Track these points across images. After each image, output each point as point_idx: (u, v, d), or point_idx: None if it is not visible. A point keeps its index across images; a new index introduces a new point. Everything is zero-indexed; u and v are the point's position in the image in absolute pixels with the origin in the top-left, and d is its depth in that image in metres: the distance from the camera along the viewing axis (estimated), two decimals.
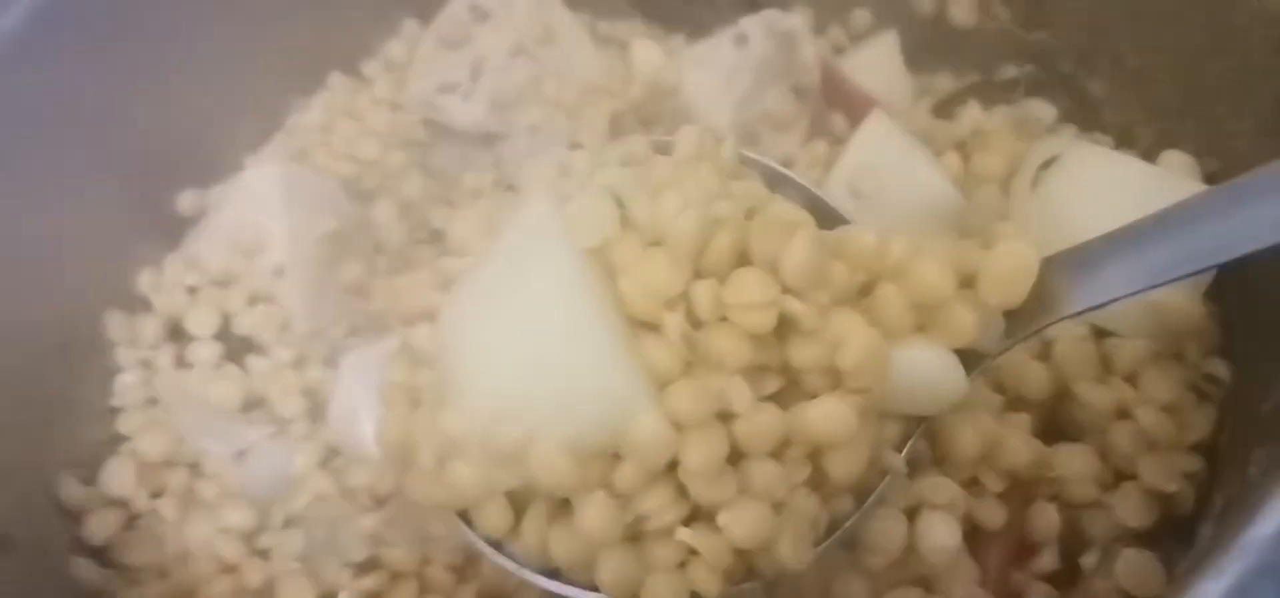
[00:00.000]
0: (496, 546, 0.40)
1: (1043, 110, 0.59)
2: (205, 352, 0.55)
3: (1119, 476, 0.43)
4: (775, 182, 0.47)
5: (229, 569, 0.49)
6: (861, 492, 0.40)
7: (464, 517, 0.40)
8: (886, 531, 0.41)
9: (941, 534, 0.41)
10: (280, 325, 0.57)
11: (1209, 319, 0.46)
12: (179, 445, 0.53)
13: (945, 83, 0.63)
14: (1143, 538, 0.42)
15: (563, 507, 0.38)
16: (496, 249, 0.40)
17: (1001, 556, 0.42)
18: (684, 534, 0.36)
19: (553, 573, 0.40)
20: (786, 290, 0.36)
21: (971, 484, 0.43)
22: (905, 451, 0.41)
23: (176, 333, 0.56)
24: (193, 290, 0.57)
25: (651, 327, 0.37)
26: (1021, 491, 0.43)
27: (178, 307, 0.56)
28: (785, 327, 0.37)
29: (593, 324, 0.36)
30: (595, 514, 0.36)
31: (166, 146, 0.59)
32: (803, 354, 0.37)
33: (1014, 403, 0.45)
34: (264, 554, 0.50)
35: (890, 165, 0.55)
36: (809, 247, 0.36)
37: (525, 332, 0.37)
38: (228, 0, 0.60)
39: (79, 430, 0.53)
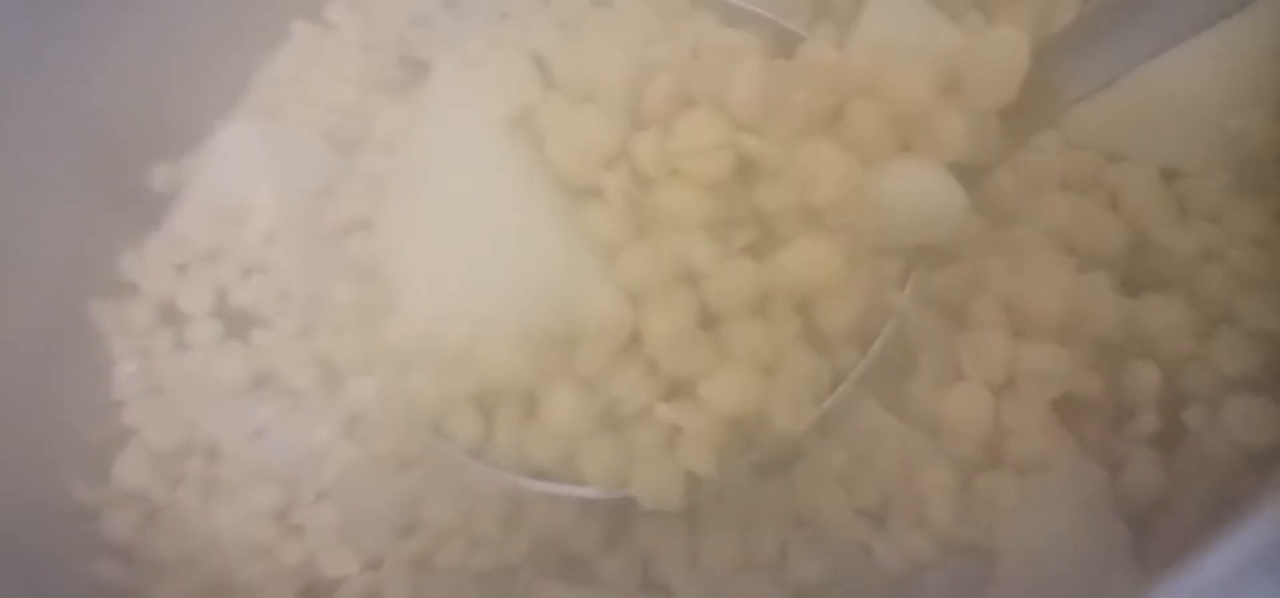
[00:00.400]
0: (479, 457, 0.37)
1: None
2: (204, 331, 0.51)
3: (1214, 322, 0.40)
4: (736, 20, 0.41)
5: (263, 551, 0.45)
6: (866, 339, 0.36)
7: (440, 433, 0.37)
8: (971, 408, 0.37)
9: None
10: (279, 294, 0.53)
11: None
12: (191, 431, 0.49)
13: None
14: (1250, 384, 0.38)
15: (533, 404, 0.35)
16: (414, 138, 0.36)
17: (1099, 423, 0.39)
18: (663, 412, 0.33)
19: (543, 476, 0.37)
20: (741, 128, 0.32)
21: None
22: (908, 287, 0.37)
23: (170, 316, 0.52)
24: (181, 268, 0.52)
25: (592, 192, 0.33)
26: (1114, 352, 0.40)
27: (168, 287, 0.52)
28: (747, 169, 0.33)
29: (522, 199, 0.32)
30: (561, 405, 0.33)
31: (128, 118, 0.54)
32: (771, 196, 0.33)
33: (1087, 263, 0.41)
34: (298, 531, 0.47)
35: (911, 36, 0.51)
36: (758, 73, 0.32)
37: (453, 221, 0.33)
38: None
39: (82, 429, 0.49)
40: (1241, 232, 0.40)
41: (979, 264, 0.41)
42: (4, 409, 0.45)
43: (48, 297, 0.50)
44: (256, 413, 0.51)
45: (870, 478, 0.38)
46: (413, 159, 0.35)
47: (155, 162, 0.54)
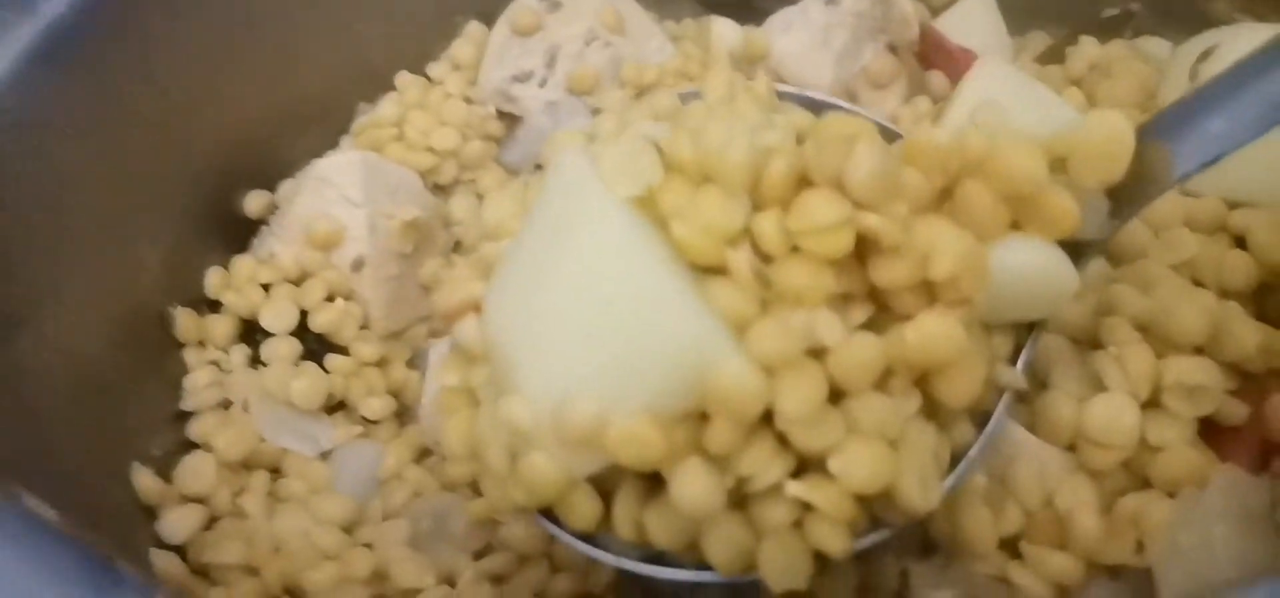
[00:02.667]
0: (590, 540, 0.35)
1: (1158, 47, 0.56)
2: (282, 349, 0.50)
3: None
4: (820, 110, 0.42)
5: (332, 558, 0.42)
6: (979, 416, 0.35)
7: (548, 516, 0.35)
8: (1117, 418, 0.35)
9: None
10: (360, 323, 0.52)
11: None
12: (259, 445, 0.47)
13: (1042, 40, 0.61)
14: None
15: (654, 483, 0.33)
16: (534, 221, 0.36)
17: (1247, 455, 0.36)
18: (795, 489, 0.31)
19: (656, 558, 0.35)
20: (858, 206, 0.32)
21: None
22: (1021, 362, 0.36)
23: (249, 333, 0.51)
24: (266, 287, 0.51)
25: (716, 270, 0.33)
26: (1257, 384, 0.37)
27: (250, 305, 0.51)
28: (865, 247, 0.32)
29: (654, 277, 0.32)
30: (691, 484, 0.31)
31: (230, 152, 0.55)
32: (889, 273, 0.32)
33: (1220, 295, 0.40)
34: (368, 546, 0.44)
35: (1013, 100, 0.51)
36: (875, 152, 0.32)
37: (580, 300, 0.32)
38: (286, 4, 0.57)
39: (151, 429, 0.47)
40: None
41: (1105, 293, 0.40)
42: (82, 399, 0.44)
43: (137, 303, 0.49)
44: (327, 434, 0.49)
45: (1010, 499, 0.35)
46: (533, 241, 0.35)
47: (253, 189, 0.55)
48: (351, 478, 0.48)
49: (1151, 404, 0.36)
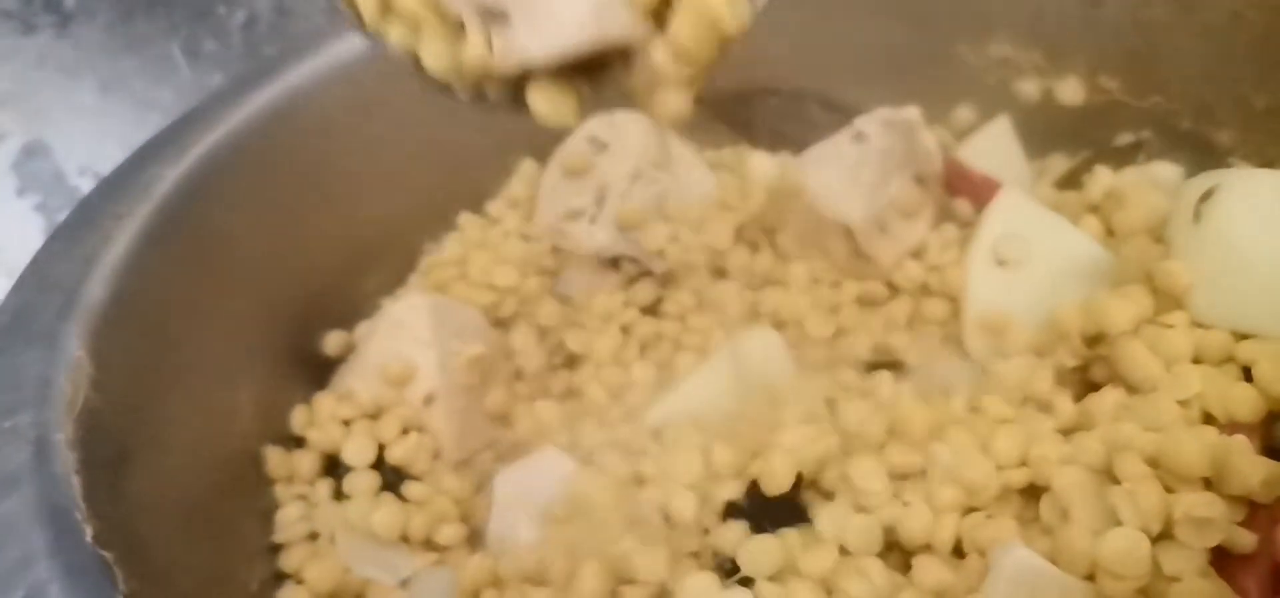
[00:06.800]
0: None
1: (1168, 172, 0.59)
2: (362, 482, 0.54)
3: None
4: None
5: None
6: None
7: None
8: (1130, 553, 0.38)
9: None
10: (432, 454, 0.57)
11: None
12: (345, 576, 0.51)
13: (1060, 163, 0.65)
14: None
15: None
16: None
17: (1257, 582, 0.39)
18: None
19: None
20: None
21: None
22: None
23: (332, 467, 0.56)
24: (346, 424, 0.56)
25: None
26: (1266, 512, 0.40)
27: (332, 440, 0.55)
28: None
29: None
30: None
31: (310, 291, 0.60)
32: None
33: (1226, 430, 0.43)
34: None
35: (1033, 231, 0.55)
36: None
37: None
38: (363, 149, 0.63)
39: (249, 562, 0.52)
40: None
41: (1118, 430, 0.43)
42: (188, 532, 0.48)
43: (233, 445, 0.54)
44: (407, 562, 0.53)
45: None
46: None
47: (325, 330, 0.60)
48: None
49: (1164, 536, 0.39)
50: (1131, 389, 0.46)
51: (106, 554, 0.37)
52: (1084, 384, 0.50)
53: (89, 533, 0.38)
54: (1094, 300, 0.49)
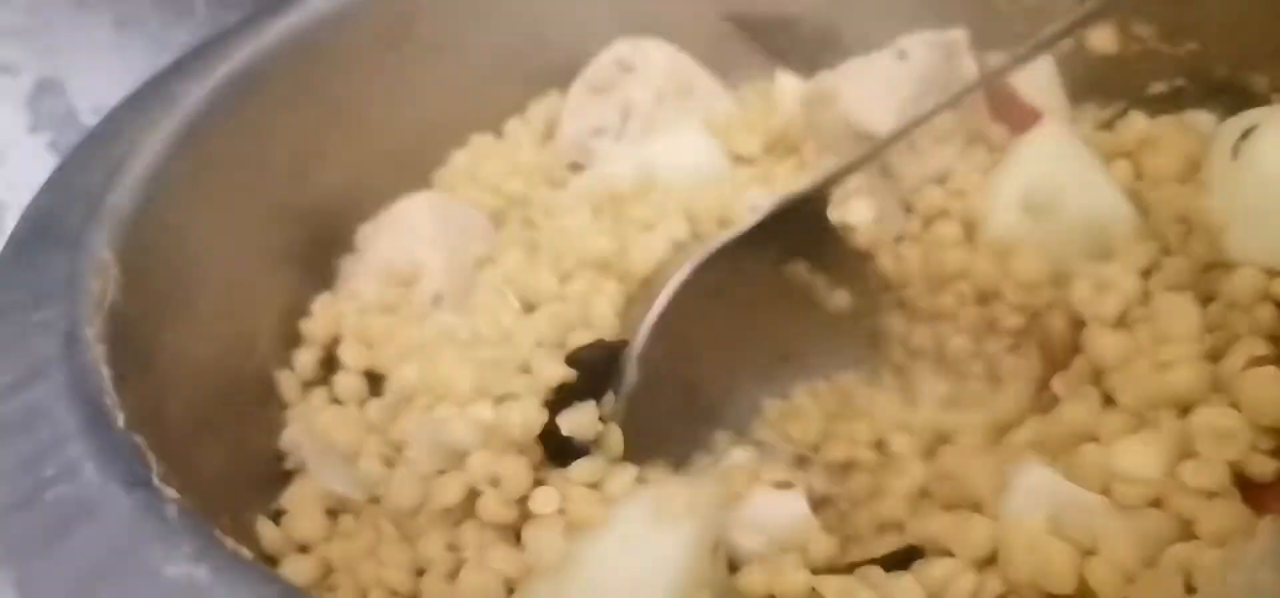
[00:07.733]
0: None
1: (1204, 120, 0.58)
2: (349, 384, 0.54)
3: None
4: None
5: None
6: None
7: None
8: (1140, 453, 0.38)
9: None
10: None
11: None
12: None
13: (1094, 113, 0.64)
14: None
15: None
16: None
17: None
18: None
19: None
20: None
21: None
22: None
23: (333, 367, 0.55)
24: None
25: None
26: None
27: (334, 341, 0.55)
28: None
29: None
30: None
31: (331, 209, 0.60)
32: None
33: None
34: None
35: (1069, 176, 0.54)
36: None
37: None
38: (390, 69, 0.63)
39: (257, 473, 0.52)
40: None
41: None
42: (201, 433, 0.48)
43: (255, 363, 0.55)
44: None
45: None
46: None
47: (337, 239, 0.60)
48: None
49: (1187, 455, 0.39)
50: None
51: (138, 439, 0.37)
52: None
53: (121, 419, 0.38)
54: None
